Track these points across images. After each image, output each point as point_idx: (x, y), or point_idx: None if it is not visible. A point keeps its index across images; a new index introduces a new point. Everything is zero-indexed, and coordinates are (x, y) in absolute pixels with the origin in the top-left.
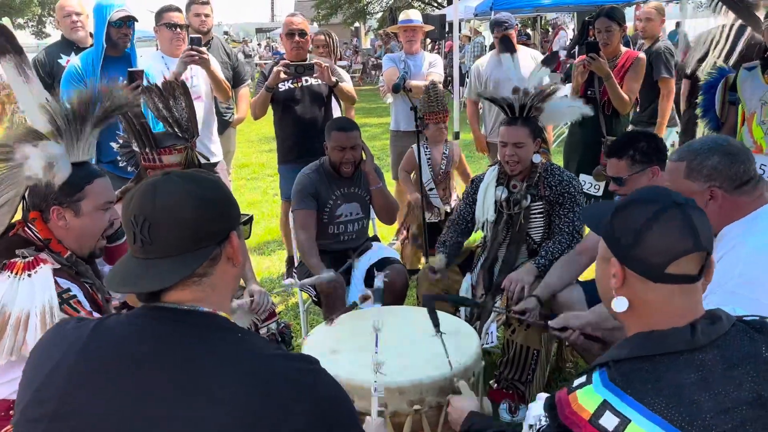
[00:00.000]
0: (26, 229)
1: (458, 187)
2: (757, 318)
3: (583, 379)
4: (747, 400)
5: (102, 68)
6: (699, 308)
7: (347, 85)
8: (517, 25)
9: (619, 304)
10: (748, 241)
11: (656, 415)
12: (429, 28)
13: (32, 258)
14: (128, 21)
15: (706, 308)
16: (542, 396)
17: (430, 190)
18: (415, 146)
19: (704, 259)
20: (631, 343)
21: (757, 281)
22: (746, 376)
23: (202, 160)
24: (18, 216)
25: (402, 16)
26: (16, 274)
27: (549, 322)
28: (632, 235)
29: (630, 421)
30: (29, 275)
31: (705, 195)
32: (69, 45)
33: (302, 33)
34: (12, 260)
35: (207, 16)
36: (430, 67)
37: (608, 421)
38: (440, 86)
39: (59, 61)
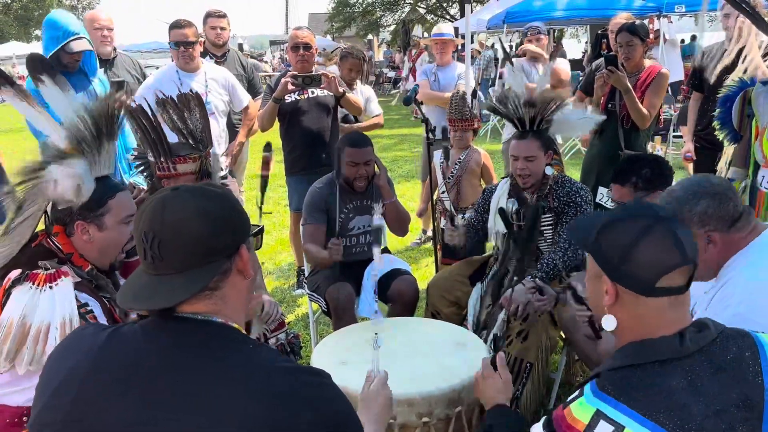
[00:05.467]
0: (48, 240)
1: None
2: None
3: (576, 393)
4: (735, 403)
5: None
6: (687, 318)
7: (354, 95)
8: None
9: (608, 323)
10: (742, 273)
11: (649, 420)
12: (460, 41)
13: (54, 270)
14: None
15: None
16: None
17: (443, 193)
18: (436, 152)
19: (691, 271)
20: (623, 353)
21: (749, 318)
22: (733, 380)
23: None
24: (39, 227)
25: (435, 30)
26: (38, 285)
27: (576, 287)
28: (621, 251)
29: (624, 427)
30: (50, 287)
31: (702, 239)
32: None
33: (307, 46)
34: (34, 271)
35: (223, 29)
36: (459, 79)
37: (603, 430)
38: (468, 96)
39: None
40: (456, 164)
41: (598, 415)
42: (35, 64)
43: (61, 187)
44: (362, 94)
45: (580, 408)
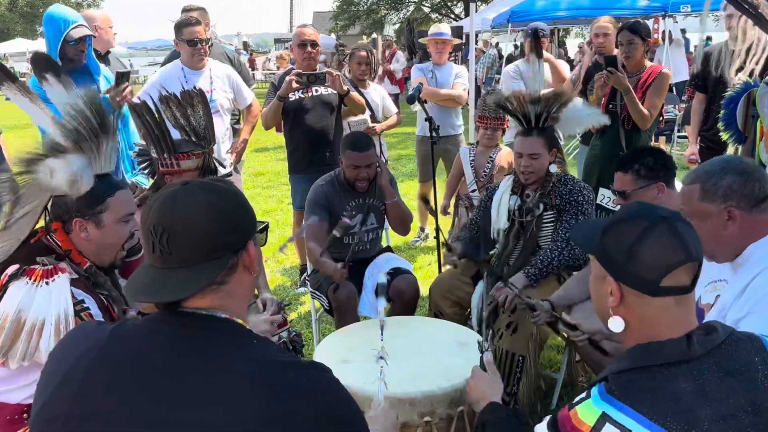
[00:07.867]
0: (48, 237)
1: None
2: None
3: (583, 395)
4: (743, 408)
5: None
6: (693, 320)
7: (358, 94)
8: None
9: (615, 324)
10: None
11: (655, 424)
12: (458, 41)
13: (51, 266)
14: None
15: (745, 328)
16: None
17: (473, 191)
18: (462, 148)
19: (696, 269)
20: (630, 355)
21: None
22: (741, 385)
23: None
24: (40, 223)
25: (433, 29)
26: (35, 281)
27: (562, 315)
28: (625, 252)
29: (630, 431)
30: (47, 283)
31: (722, 215)
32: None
33: (313, 44)
34: (32, 267)
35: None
36: (456, 77)
37: None
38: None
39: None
40: (488, 163)
41: (604, 418)
42: (40, 63)
43: (56, 177)
44: (378, 92)
45: (587, 410)
